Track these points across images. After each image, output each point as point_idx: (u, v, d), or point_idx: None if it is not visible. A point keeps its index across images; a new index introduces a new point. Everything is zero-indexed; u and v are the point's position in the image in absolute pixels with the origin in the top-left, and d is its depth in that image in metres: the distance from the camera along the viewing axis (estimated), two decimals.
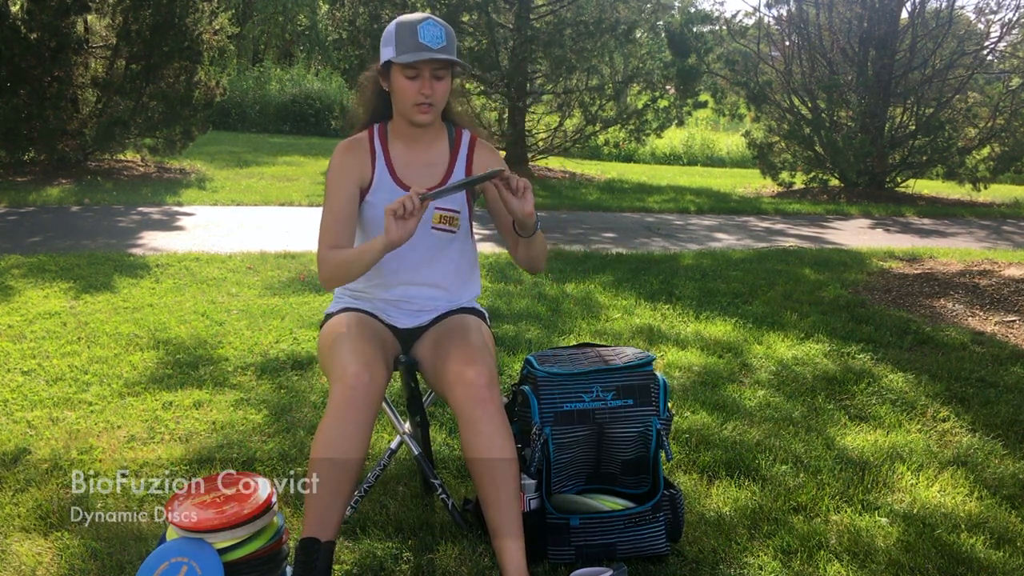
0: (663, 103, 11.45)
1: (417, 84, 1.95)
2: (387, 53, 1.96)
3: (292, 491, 2.30)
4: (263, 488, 1.82)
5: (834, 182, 11.78)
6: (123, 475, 2.38)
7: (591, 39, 10.39)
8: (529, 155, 11.79)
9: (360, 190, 2.06)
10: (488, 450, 1.85)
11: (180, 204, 7.43)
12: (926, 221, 9.28)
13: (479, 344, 1.98)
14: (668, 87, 11.52)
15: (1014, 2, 14.20)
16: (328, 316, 2.15)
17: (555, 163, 13.10)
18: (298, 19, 25.91)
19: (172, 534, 1.75)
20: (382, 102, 2.09)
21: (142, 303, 4.13)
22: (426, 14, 1.96)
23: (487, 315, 2.25)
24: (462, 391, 1.87)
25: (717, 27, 11.94)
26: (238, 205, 7.61)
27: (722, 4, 47.89)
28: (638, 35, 11.50)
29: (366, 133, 2.11)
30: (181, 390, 3.03)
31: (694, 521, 2.22)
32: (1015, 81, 11.64)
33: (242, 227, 6.50)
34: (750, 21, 12.62)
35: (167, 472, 2.40)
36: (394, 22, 1.96)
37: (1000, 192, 12.95)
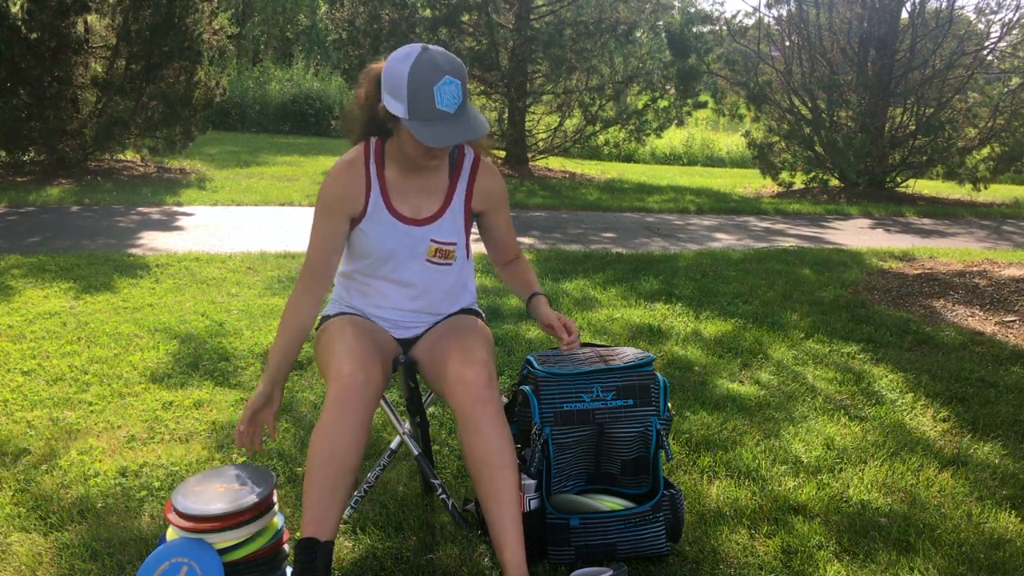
0: (663, 103, 11.45)
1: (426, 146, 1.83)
2: (396, 107, 1.80)
3: (292, 491, 2.30)
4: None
5: (834, 182, 11.79)
6: (123, 475, 2.38)
7: (591, 39, 10.40)
8: (529, 155, 11.80)
9: (352, 218, 1.99)
10: (487, 451, 1.85)
11: (180, 204, 7.43)
12: (926, 221, 9.28)
13: (478, 344, 1.98)
14: (668, 87, 11.52)
15: (1014, 2, 14.19)
16: (325, 318, 2.15)
17: (555, 163, 13.10)
18: (298, 19, 25.92)
19: (172, 534, 1.75)
20: (379, 121, 1.94)
21: (142, 303, 4.13)
22: (440, 65, 1.77)
23: (484, 315, 2.25)
24: (462, 391, 1.87)
25: (717, 27, 11.96)
26: (238, 205, 7.61)
27: (722, 4, 47.89)
28: (638, 35, 11.51)
29: (361, 152, 1.99)
30: (181, 390, 3.03)
31: (694, 521, 2.22)
32: (1015, 81, 11.64)
33: (242, 227, 6.50)
34: (750, 21, 12.64)
35: (167, 472, 2.40)
36: (405, 69, 1.77)
37: (1000, 192, 12.96)
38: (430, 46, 1.81)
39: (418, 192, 2.01)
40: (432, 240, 2.01)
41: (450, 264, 2.07)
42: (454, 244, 2.05)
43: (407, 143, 1.88)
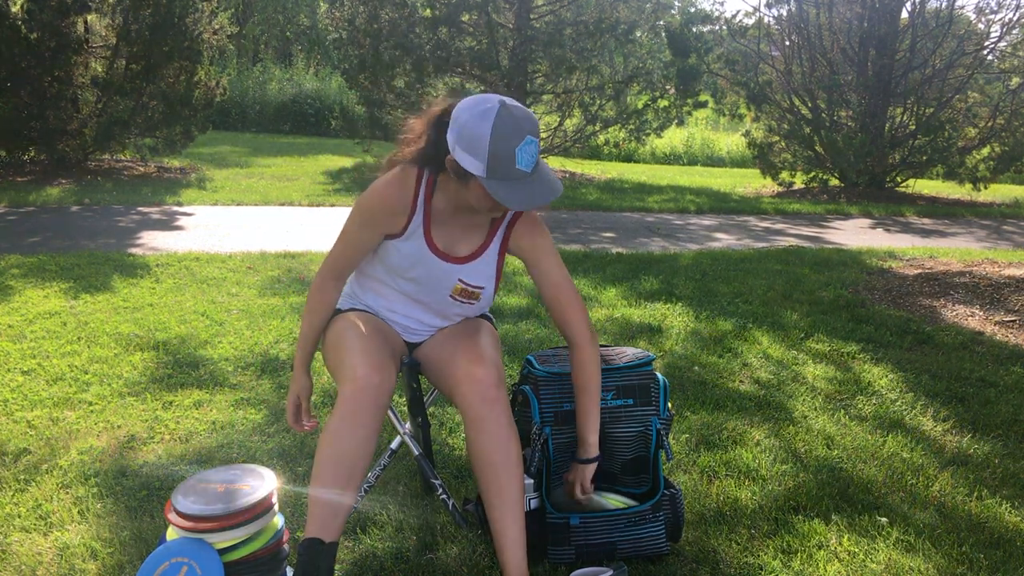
0: (663, 103, 11.45)
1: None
2: (473, 164, 1.72)
3: (292, 491, 2.31)
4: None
5: (834, 182, 11.79)
6: (123, 475, 2.38)
7: (591, 39, 10.39)
8: None
9: (387, 235, 1.96)
10: (493, 450, 1.85)
11: (180, 204, 7.43)
12: (926, 221, 9.28)
13: (488, 344, 1.98)
14: (668, 87, 11.52)
15: (1014, 2, 14.19)
16: (336, 311, 2.13)
17: (555, 163, 13.10)
18: (298, 19, 25.91)
19: (172, 534, 1.75)
20: (436, 155, 1.86)
21: (142, 303, 4.13)
22: (522, 125, 1.71)
23: (494, 320, 2.25)
24: (470, 389, 1.87)
25: (717, 27, 11.95)
26: (238, 205, 7.61)
27: (722, 4, 47.81)
28: (638, 35, 11.49)
29: (413, 176, 1.92)
30: (181, 390, 3.03)
31: (694, 521, 2.22)
32: (1015, 81, 11.64)
33: (242, 227, 6.50)
34: (750, 21, 12.62)
35: (167, 472, 2.40)
36: (487, 127, 1.69)
37: (1000, 192, 12.96)
38: (506, 100, 1.73)
39: (459, 230, 1.97)
40: (460, 280, 1.99)
41: (472, 304, 2.06)
42: (481, 288, 2.02)
43: (475, 196, 1.81)
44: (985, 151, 11.52)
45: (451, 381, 1.93)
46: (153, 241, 5.77)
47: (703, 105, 12.00)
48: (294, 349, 3.50)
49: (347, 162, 11.60)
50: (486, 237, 1.99)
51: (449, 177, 1.86)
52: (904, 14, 11.35)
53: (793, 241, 7.17)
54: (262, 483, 1.81)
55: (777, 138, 11.95)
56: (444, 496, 2.15)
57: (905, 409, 3.15)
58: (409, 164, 1.94)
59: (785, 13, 11.86)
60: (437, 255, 1.96)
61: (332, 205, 7.59)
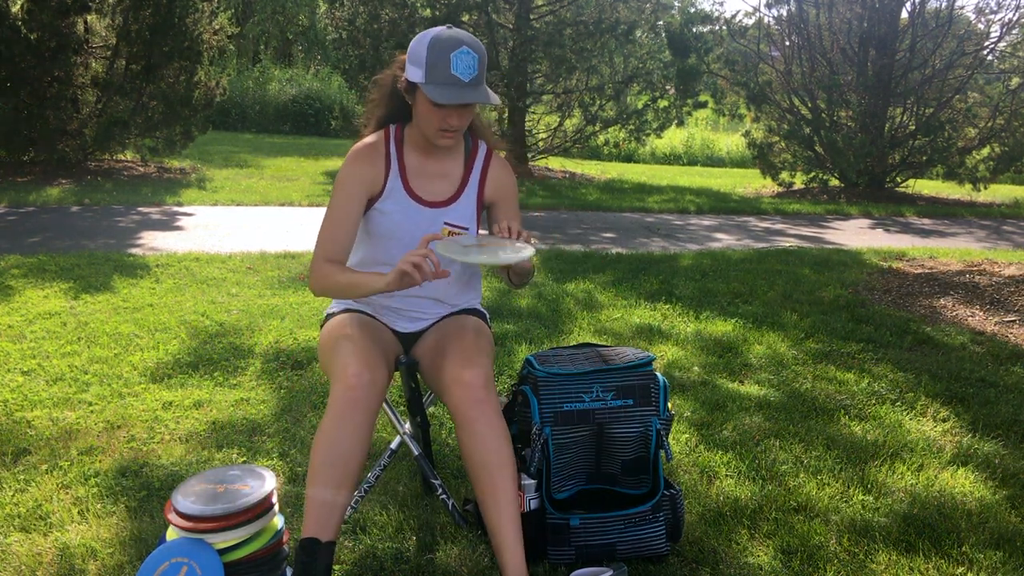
0: (663, 103, 11.46)
1: (442, 113, 1.90)
2: (415, 74, 1.89)
3: (292, 491, 2.30)
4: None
5: (834, 182, 11.79)
6: (123, 475, 2.38)
7: (591, 39, 10.40)
8: (529, 155, 11.80)
9: (369, 198, 2.03)
10: (485, 452, 1.85)
11: (180, 204, 7.43)
12: (926, 221, 9.28)
13: (477, 345, 1.98)
14: (668, 87, 11.52)
15: (1014, 2, 14.19)
16: (329, 316, 2.15)
17: (555, 163, 13.10)
18: (298, 19, 25.91)
19: (172, 534, 1.75)
20: (401, 104, 2.04)
21: (142, 303, 4.13)
22: (460, 38, 1.87)
23: (488, 316, 2.25)
24: (459, 392, 1.87)
25: (717, 27, 11.95)
26: (238, 205, 7.61)
27: (722, 4, 47.85)
28: (638, 35, 11.50)
29: (382, 136, 2.06)
30: (181, 390, 3.03)
31: (694, 521, 2.22)
32: (1015, 81, 11.64)
33: (242, 227, 6.50)
34: (750, 21, 12.63)
35: (167, 472, 2.40)
36: (427, 39, 1.87)
37: (1000, 192, 12.96)
38: (456, 28, 1.90)
39: (435, 177, 2.07)
40: (446, 223, 2.05)
41: None
42: (467, 228, 2.08)
43: (422, 116, 1.94)
44: (985, 151, 11.52)
45: (441, 384, 1.94)
46: (153, 241, 5.77)
47: (703, 105, 12.01)
48: (294, 348, 3.50)
49: None
50: (462, 179, 2.09)
51: (413, 125, 2.01)
52: (904, 14, 11.35)
53: (793, 241, 7.17)
54: (262, 483, 1.81)
55: (777, 138, 11.95)
56: (444, 496, 2.15)
57: (905, 409, 3.15)
58: (375, 128, 2.08)
59: (785, 13, 11.86)
60: (421, 203, 2.04)
61: None
